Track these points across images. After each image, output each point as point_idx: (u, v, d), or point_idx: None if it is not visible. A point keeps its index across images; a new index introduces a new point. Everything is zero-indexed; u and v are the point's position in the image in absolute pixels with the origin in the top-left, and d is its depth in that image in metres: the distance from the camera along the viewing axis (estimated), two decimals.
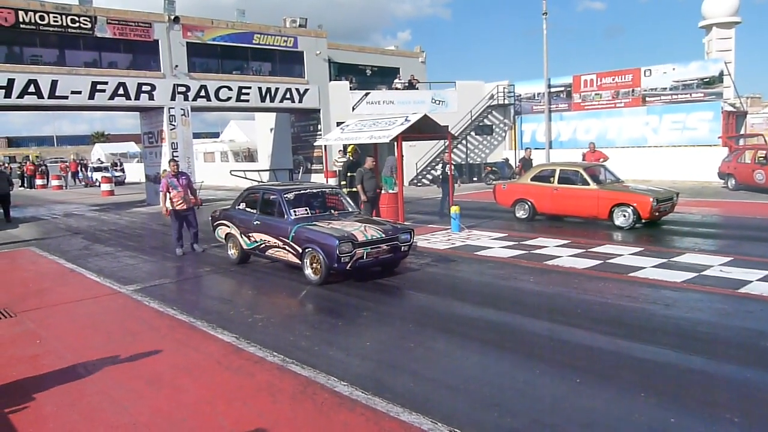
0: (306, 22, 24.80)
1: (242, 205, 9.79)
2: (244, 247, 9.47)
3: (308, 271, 8.14)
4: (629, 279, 7.75)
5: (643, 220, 11.54)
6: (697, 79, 22.56)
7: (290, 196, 8.87)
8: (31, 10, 18.01)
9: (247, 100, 22.89)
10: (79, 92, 18.95)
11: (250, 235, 9.24)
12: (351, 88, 25.60)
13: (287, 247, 8.42)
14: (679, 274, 7.75)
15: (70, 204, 24.11)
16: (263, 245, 8.99)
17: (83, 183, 38.21)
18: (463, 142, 26.80)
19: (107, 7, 19.78)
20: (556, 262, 8.93)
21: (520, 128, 28.11)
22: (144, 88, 20.24)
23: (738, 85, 24.03)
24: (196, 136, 29.34)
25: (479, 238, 11.34)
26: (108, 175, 31.87)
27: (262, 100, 23.12)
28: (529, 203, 13.30)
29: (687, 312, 6.29)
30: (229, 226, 9.84)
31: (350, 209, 9.40)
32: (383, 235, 8.10)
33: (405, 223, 11.29)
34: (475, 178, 26.21)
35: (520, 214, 13.52)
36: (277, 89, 23.37)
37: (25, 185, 37.40)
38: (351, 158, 13.27)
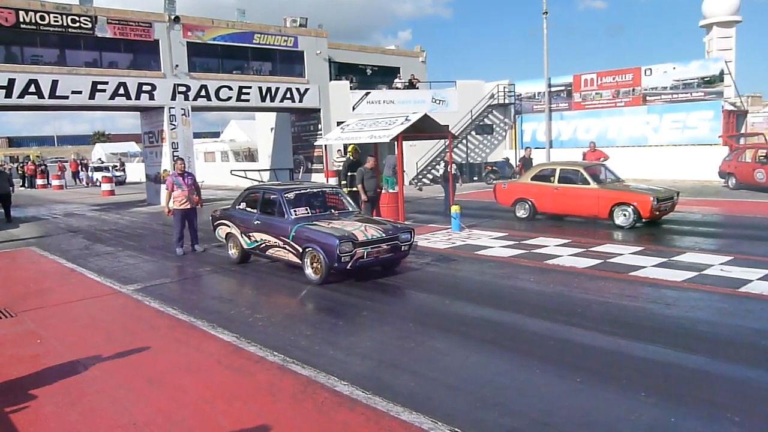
0: (306, 21, 24.79)
1: (243, 205, 9.79)
2: (245, 246, 9.47)
3: (308, 271, 8.14)
4: (630, 278, 7.75)
5: (644, 220, 11.54)
6: (698, 78, 22.54)
7: (290, 195, 8.87)
8: (31, 10, 18.01)
9: (248, 100, 22.89)
10: (80, 92, 18.95)
11: (251, 234, 9.24)
12: (351, 88, 25.59)
13: (287, 247, 8.42)
14: (679, 274, 7.75)
15: (71, 204, 24.12)
16: (263, 245, 8.99)
17: (84, 183, 38.25)
18: (464, 141, 26.80)
19: (107, 7, 19.77)
20: (557, 261, 8.93)
21: (520, 128, 28.10)
22: (144, 87, 20.24)
23: (738, 84, 24.04)
24: (197, 135, 29.36)
25: (480, 237, 11.34)
26: (108, 174, 31.88)
27: (263, 99, 23.12)
28: (530, 203, 13.30)
29: (687, 311, 6.29)
30: (229, 226, 9.85)
31: (350, 209, 9.39)
32: (383, 235, 8.10)
33: (405, 222, 11.30)
34: (475, 178, 26.21)
35: (521, 213, 13.51)
36: (277, 89, 23.37)
37: (26, 185, 37.44)
38: (351, 158, 13.27)
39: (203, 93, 21.63)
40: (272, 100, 23.37)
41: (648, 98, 23.77)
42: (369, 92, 25.75)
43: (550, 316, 6.29)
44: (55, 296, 8.04)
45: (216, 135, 54.84)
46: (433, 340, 5.77)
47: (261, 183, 20.06)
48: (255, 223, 9.12)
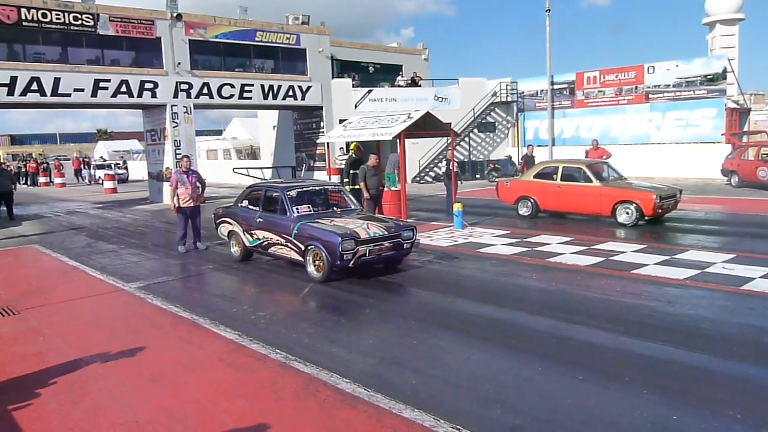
0: (308, 19, 24.77)
1: (245, 203, 9.79)
2: (247, 244, 9.48)
3: (311, 269, 8.14)
4: (632, 276, 7.74)
5: (646, 218, 11.52)
6: (701, 76, 22.47)
7: (293, 193, 8.87)
8: (33, 8, 18.01)
9: (250, 98, 22.88)
10: (82, 90, 18.97)
11: (253, 232, 9.25)
12: (353, 86, 25.57)
13: (290, 245, 8.43)
14: (681, 271, 7.74)
15: (73, 202, 24.16)
16: (266, 242, 8.99)
17: (86, 181, 38.30)
18: (466, 139, 26.78)
19: (110, 5, 19.78)
20: (559, 259, 8.92)
21: (522, 125, 28.06)
22: (146, 85, 20.25)
23: (741, 82, 23.91)
24: (199, 133, 29.38)
25: (482, 235, 11.33)
26: (111, 172, 31.92)
27: (265, 97, 23.12)
28: (532, 200, 13.28)
29: (690, 309, 6.28)
30: (231, 224, 9.85)
31: (353, 206, 9.39)
32: (386, 233, 8.10)
33: (407, 220, 11.29)
34: (477, 176, 26.20)
35: (523, 211, 13.50)
36: (279, 87, 23.37)
37: (28, 183, 37.50)
38: (354, 156, 13.27)
39: (205, 91, 21.63)
40: (274, 97, 23.36)
41: (651, 96, 23.70)
42: (371, 90, 25.73)
43: (552, 313, 6.28)
44: (58, 294, 8.06)
45: (218, 133, 54.90)
46: (435, 337, 5.77)
47: (263, 181, 20.06)
48: (257, 220, 9.13)
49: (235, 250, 9.87)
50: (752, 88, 29.51)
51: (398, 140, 11.89)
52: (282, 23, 24.17)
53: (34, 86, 18.08)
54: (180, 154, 19.28)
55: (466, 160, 26.70)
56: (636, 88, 24.10)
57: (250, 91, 22.71)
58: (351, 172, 12.70)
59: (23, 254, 11.63)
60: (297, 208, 8.62)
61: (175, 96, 20.95)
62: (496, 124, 28.09)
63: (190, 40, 21.25)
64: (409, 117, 12.05)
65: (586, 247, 9.63)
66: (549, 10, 23.72)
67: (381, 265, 8.65)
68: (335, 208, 9.14)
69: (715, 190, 17.87)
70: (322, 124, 24.81)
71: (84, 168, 40.98)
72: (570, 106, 26.39)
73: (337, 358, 5.23)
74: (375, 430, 3.88)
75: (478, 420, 3.98)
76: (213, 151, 37.61)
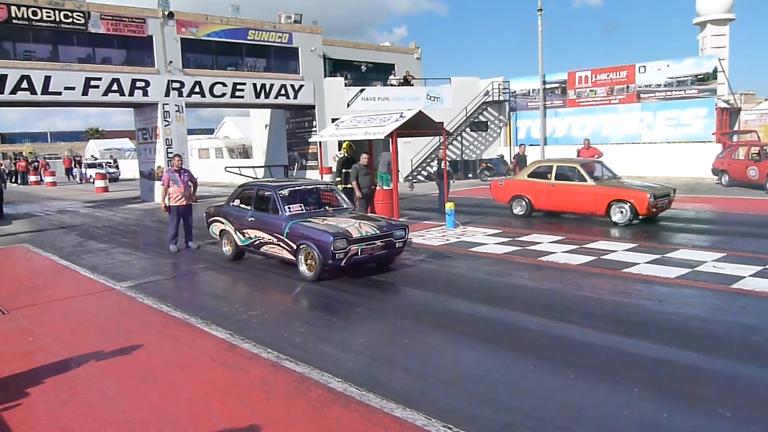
0: (301, 17, 24.72)
1: (237, 202, 9.75)
2: (239, 243, 9.45)
3: (303, 268, 8.13)
4: (623, 275, 7.77)
5: (641, 217, 11.58)
6: (692, 76, 22.61)
7: (285, 192, 8.85)
8: (23, 6, 17.88)
9: (242, 97, 22.81)
10: (73, 88, 18.86)
11: (245, 231, 9.22)
12: (346, 85, 25.55)
13: (282, 244, 8.41)
14: (672, 270, 7.79)
15: (64, 200, 24.01)
16: (258, 242, 8.97)
17: (77, 180, 38.07)
18: (458, 138, 26.81)
19: (101, 3, 19.66)
20: (551, 258, 8.95)
21: (515, 125, 28.13)
22: (138, 84, 20.14)
23: (732, 82, 24.11)
24: (191, 132, 29.29)
25: (474, 234, 11.35)
26: (102, 171, 31.74)
27: (257, 96, 23.05)
28: (526, 200, 13.30)
29: (680, 307, 6.32)
30: (223, 223, 9.82)
31: (345, 206, 9.38)
32: (378, 232, 8.10)
33: (400, 219, 11.29)
34: (470, 175, 26.24)
35: (517, 210, 13.52)
36: (272, 85, 23.32)
37: (18, 182, 37.22)
38: (346, 155, 13.26)
39: (197, 89, 21.55)
40: (267, 96, 23.31)
41: (642, 95, 23.82)
42: (364, 89, 25.72)
43: (544, 312, 6.30)
44: (48, 293, 8.01)
45: (210, 132, 54.67)
46: (427, 336, 5.77)
47: (255, 180, 20.00)
48: (249, 219, 9.10)
49: (226, 249, 9.84)
50: (742, 88, 29.80)
51: (391, 139, 11.90)
52: (274, 22, 24.11)
53: (25, 84, 17.97)
54: (172, 152, 19.22)
55: (458, 159, 26.74)
56: (627, 87, 24.22)
57: (243, 90, 22.65)
58: (343, 171, 12.69)
59: (13, 253, 11.54)
60: (289, 207, 8.60)
61: (167, 94, 20.85)
62: (489, 123, 28.15)
63: (181, 38, 21.16)
64: (401, 116, 12.06)
65: (578, 246, 9.67)
66: (541, 9, 23.70)
67: (373, 265, 8.64)
68: (327, 207, 9.13)
69: (705, 189, 17.98)
70: (314, 123, 24.77)
71: (75, 167, 40.73)
72: (562, 106, 26.49)
73: (328, 357, 5.23)
74: (366, 429, 3.88)
75: (470, 418, 3.99)
76: (205, 150, 37.43)
